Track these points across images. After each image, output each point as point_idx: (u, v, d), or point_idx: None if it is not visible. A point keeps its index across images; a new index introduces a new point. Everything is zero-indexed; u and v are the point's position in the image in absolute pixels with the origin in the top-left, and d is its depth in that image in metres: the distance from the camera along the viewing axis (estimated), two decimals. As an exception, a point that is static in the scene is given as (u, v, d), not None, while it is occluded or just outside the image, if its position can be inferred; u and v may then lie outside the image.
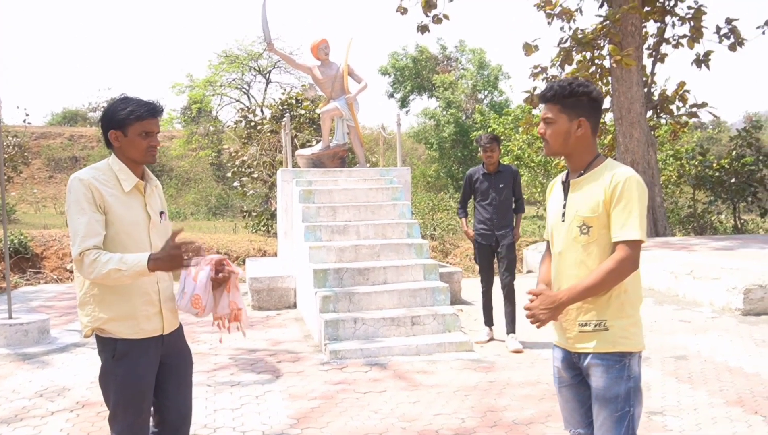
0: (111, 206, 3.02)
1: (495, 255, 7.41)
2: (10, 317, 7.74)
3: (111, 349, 3.07)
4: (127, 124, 3.06)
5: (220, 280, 3.33)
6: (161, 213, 3.26)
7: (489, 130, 29.43)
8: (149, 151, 3.11)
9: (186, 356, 3.37)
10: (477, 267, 7.83)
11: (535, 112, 21.55)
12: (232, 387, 5.96)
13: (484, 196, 7.34)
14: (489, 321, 7.55)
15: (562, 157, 2.97)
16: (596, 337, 2.78)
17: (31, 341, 7.62)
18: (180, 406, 3.27)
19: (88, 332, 3.08)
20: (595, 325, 2.78)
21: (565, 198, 2.90)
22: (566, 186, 2.92)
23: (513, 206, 7.39)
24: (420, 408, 5.31)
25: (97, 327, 3.04)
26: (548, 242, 3.08)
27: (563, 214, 2.89)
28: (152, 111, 3.09)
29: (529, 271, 13.48)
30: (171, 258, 2.91)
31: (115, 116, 3.08)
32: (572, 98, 2.82)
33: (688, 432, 4.63)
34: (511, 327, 7.22)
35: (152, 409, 3.22)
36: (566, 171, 3.00)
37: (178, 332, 3.34)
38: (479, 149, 7.42)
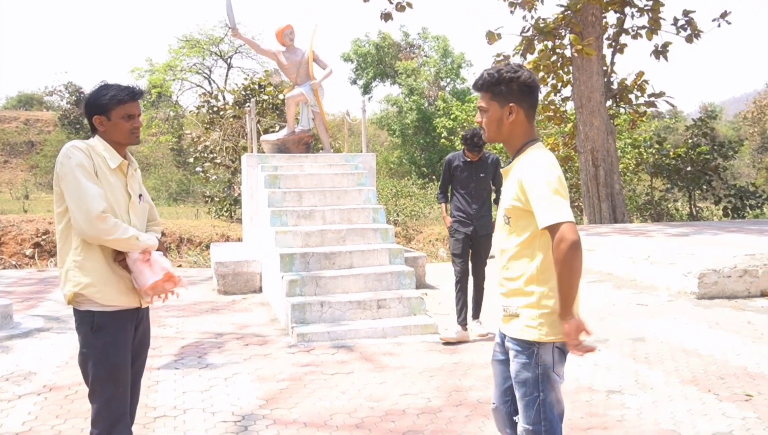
0: (99, 177, 3.15)
1: (472, 245, 7.02)
2: (-28, 302, 7.65)
3: (89, 321, 3.16)
4: (109, 108, 3.19)
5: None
6: (140, 195, 3.37)
7: (451, 117, 29.59)
8: (132, 133, 3.25)
9: (147, 337, 3.48)
10: (441, 253, 7.83)
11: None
12: (200, 369, 6.00)
13: (463, 184, 6.97)
14: (462, 318, 6.92)
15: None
16: (510, 322, 2.86)
17: (-6, 326, 7.54)
18: (133, 387, 3.35)
19: (70, 296, 3.16)
20: (510, 312, 2.86)
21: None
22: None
23: (493, 196, 7.10)
24: (387, 389, 5.41)
25: (78, 292, 3.13)
26: None
27: (497, 201, 3.02)
28: (132, 94, 3.23)
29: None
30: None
31: (97, 102, 3.21)
32: (501, 85, 2.83)
33: (645, 409, 4.81)
34: (476, 313, 7.08)
35: None
36: None
37: (147, 311, 3.46)
38: (465, 144, 6.92)
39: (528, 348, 2.79)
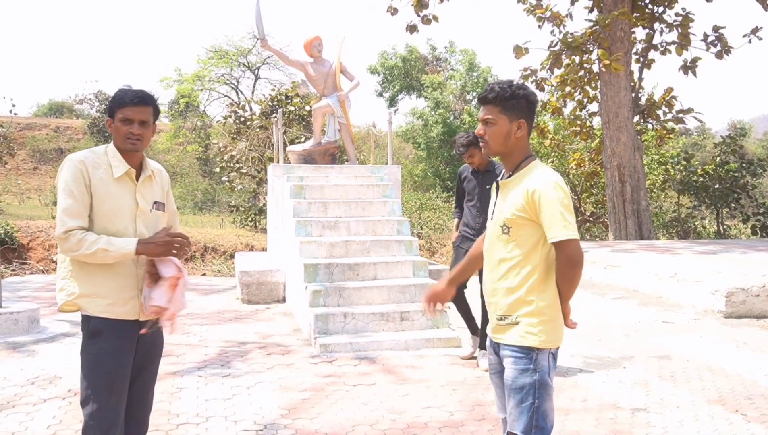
0: (96, 189, 3.09)
1: None
2: (0, 306, 7.76)
3: (86, 326, 3.15)
4: (114, 110, 3.16)
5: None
6: (155, 203, 3.30)
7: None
8: (127, 139, 3.15)
9: (156, 349, 3.37)
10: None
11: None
12: (222, 378, 6.02)
13: (470, 196, 6.68)
14: (473, 327, 6.73)
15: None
16: (508, 330, 2.92)
17: (20, 330, 7.64)
18: (143, 396, 3.31)
19: (62, 306, 3.14)
20: (507, 319, 2.93)
21: (497, 197, 3.04)
22: (497, 186, 3.06)
23: None
24: (409, 401, 5.39)
25: (70, 301, 3.11)
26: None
27: (492, 212, 3.04)
28: (133, 98, 3.14)
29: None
30: (162, 244, 3.12)
31: (109, 104, 3.22)
32: (513, 100, 2.90)
33: (670, 429, 4.75)
34: (472, 329, 6.69)
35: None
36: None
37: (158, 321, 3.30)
38: (461, 151, 6.63)
39: (527, 354, 2.88)
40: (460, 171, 6.87)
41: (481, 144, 3.01)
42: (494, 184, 3.10)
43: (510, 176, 2.98)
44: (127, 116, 3.13)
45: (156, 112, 3.25)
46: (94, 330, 3.11)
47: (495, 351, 3.07)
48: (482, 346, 6.42)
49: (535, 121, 24.38)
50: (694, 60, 15.51)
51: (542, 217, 2.83)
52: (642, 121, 16.76)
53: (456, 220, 7.00)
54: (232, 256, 15.40)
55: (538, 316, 2.89)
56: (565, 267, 2.85)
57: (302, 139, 16.86)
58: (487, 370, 6.48)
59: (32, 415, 5.04)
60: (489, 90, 2.93)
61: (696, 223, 20.03)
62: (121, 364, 3.14)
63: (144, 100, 3.16)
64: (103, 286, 3.11)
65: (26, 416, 5.00)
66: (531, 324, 2.88)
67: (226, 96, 37.50)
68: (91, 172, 3.09)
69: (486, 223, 6.49)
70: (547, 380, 2.88)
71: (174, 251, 3.15)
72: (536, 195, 2.83)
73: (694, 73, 15.57)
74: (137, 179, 3.24)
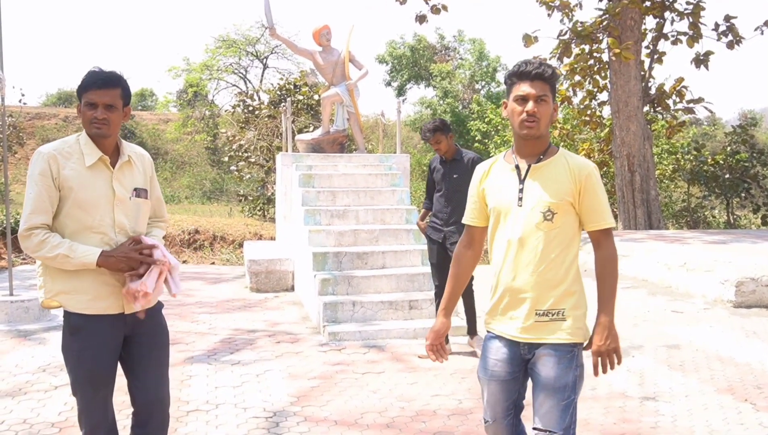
0: (67, 180, 2.94)
1: (446, 253, 6.38)
2: (11, 294, 7.81)
3: (67, 322, 3.03)
4: (80, 94, 3.00)
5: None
6: (136, 190, 3.12)
7: (486, 120, 29.50)
8: (92, 123, 2.96)
9: (158, 337, 3.22)
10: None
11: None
12: (232, 366, 6.04)
13: (438, 186, 6.54)
14: (474, 331, 6.72)
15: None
16: (553, 327, 2.75)
17: (31, 318, 7.69)
18: (150, 387, 3.15)
19: (44, 302, 3.04)
20: (554, 314, 2.75)
21: (522, 182, 2.80)
22: (520, 170, 2.83)
23: None
24: (418, 389, 5.41)
25: (49, 298, 3.00)
26: (471, 231, 3.04)
27: (520, 199, 2.79)
28: (96, 80, 2.96)
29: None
30: (124, 259, 2.97)
31: (77, 88, 3.02)
32: (556, 80, 2.82)
33: (679, 417, 4.75)
34: (472, 328, 6.66)
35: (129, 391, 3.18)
36: (501, 156, 2.95)
37: (152, 311, 3.17)
38: (426, 137, 6.53)
39: (570, 351, 2.76)
40: (431, 162, 6.75)
41: (529, 124, 2.74)
42: (508, 169, 2.87)
43: (540, 160, 2.80)
44: (91, 100, 2.94)
45: (125, 95, 3.04)
46: (74, 326, 2.98)
47: (513, 357, 2.84)
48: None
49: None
50: (707, 53, 15.38)
51: (591, 202, 2.75)
52: (652, 110, 16.67)
53: (423, 210, 6.87)
54: (240, 245, 15.43)
55: (582, 308, 2.80)
56: (612, 257, 2.78)
57: (311, 129, 16.85)
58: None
59: (44, 402, 5.08)
60: (541, 66, 2.76)
61: (706, 213, 19.95)
62: (103, 360, 3.01)
63: (108, 82, 2.96)
64: (82, 281, 2.97)
65: (38, 403, 5.04)
66: (578, 318, 2.77)
67: (234, 85, 37.55)
68: (62, 164, 2.95)
69: (454, 215, 6.41)
70: (583, 374, 2.81)
71: (137, 267, 2.99)
72: (590, 178, 2.75)
73: (707, 67, 15.42)
74: (114, 166, 3.06)
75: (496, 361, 2.87)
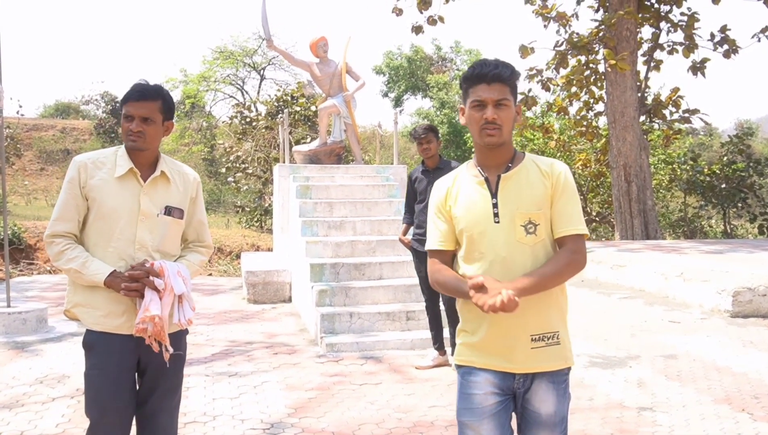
0: (93, 190, 2.91)
1: None
2: (9, 305, 7.80)
3: (84, 337, 2.98)
4: (121, 106, 2.99)
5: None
6: (167, 208, 3.02)
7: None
8: (128, 136, 2.94)
9: (172, 366, 3.03)
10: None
11: (529, 114, 21.70)
12: (229, 377, 6.04)
13: (422, 196, 6.36)
14: (438, 342, 6.53)
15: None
16: (549, 353, 2.46)
17: (29, 329, 7.68)
18: (157, 417, 3.06)
19: (65, 312, 3.01)
20: (549, 339, 2.45)
21: (494, 196, 2.48)
22: (490, 183, 2.51)
23: None
24: (415, 400, 5.41)
25: (68, 309, 2.98)
26: (441, 257, 2.60)
27: (496, 215, 2.46)
28: (133, 93, 2.94)
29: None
30: (118, 283, 2.85)
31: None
32: (516, 80, 2.50)
33: (677, 428, 4.74)
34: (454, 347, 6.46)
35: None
36: (463, 169, 2.63)
37: (172, 336, 3.01)
38: (416, 143, 6.47)
39: (565, 375, 2.52)
40: (411, 173, 6.67)
41: (490, 132, 2.44)
42: (476, 182, 2.53)
43: (509, 169, 2.50)
44: (128, 112, 2.93)
45: (166, 108, 3.01)
46: (87, 343, 2.94)
47: (503, 389, 2.48)
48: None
49: (541, 121, 24.21)
50: (703, 61, 15.47)
51: (564, 205, 2.46)
52: (648, 120, 16.74)
53: (405, 225, 6.82)
54: (238, 257, 15.43)
55: (567, 328, 2.53)
56: (578, 264, 2.44)
57: (308, 140, 16.90)
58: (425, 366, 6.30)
59: (41, 413, 5.07)
60: (499, 67, 2.45)
61: (702, 223, 20.01)
62: (112, 382, 2.88)
63: (144, 94, 2.94)
64: (96, 296, 2.91)
65: (35, 415, 5.03)
66: (568, 340, 2.51)
67: (231, 96, 37.60)
68: (91, 173, 2.92)
69: None
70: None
71: (131, 292, 2.84)
72: (563, 179, 2.48)
73: (703, 74, 15.52)
74: (143, 180, 2.99)
75: (486, 395, 2.47)
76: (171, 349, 2.95)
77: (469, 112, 2.50)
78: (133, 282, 2.85)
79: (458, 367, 2.58)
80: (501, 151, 2.50)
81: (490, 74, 2.43)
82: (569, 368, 2.53)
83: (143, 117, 2.92)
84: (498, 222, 2.46)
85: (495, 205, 2.47)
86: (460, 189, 2.57)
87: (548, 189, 2.46)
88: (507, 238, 2.44)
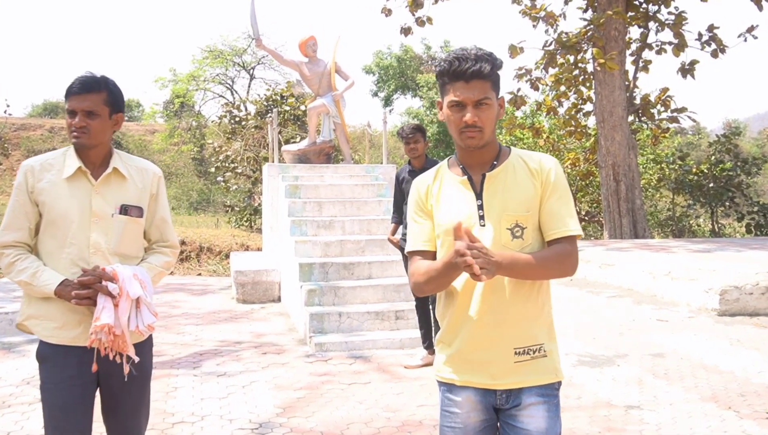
0: (42, 193, 2.71)
1: None
2: (-5, 306, 7.75)
3: (37, 349, 2.78)
4: (65, 102, 2.73)
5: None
6: (123, 206, 2.80)
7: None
8: (71, 132, 2.70)
9: (135, 380, 2.81)
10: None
11: (518, 113, 21.75)
12: (218, 377, 6.02)
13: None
14: (427, 341, 6.52)
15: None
16: (536, 367, 2.25)
17: (15, 330, 7.58)
18: (122, 432, 2.87)
19: (17, 326, 2.81)
20: (535, 352, 2.25)
21: (479, 197, 2.28)
22: (474, 182, 2.30)
23: None
24: (404, 399, 5.41)
25: (20, 323, 2.77)
26: (425, 257, 2.36)
27: (481, 217, 2.25)
28: (74, 85, 2.71)
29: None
30: (68, 290, 2.64)
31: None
32: (498, 71, 2.26)
33: (664, 425, 4.76)
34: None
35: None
36: (444, 165, 2.42)
37: (134, 347, 2.78)
38: (403, 143, 6.45)
39: (556, 392, 2.31)
40: (398, 173, 6.69)
41: (470, 136, 2.22)
42: (459, 181, 2.33)
43: (494, 168, 2.29)
44: (71, 107, 2.69)
45: (112, 99, 2.76)
46: (41, 355, 2.73)
47: (486, 407, 2.30)
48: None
49: (531, 120, 24.23)
50: (692, 62, 15.53)
51: (555, 204, 2.25)
52: (637, 120, 16.81)
53: (393, 224, 6.89)
54: (227, 256, 15.39)
55: (555, 341, 2.33)
56: (567, 267, 2.24)
57: (297, 139, 16.88)
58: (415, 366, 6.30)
59: (28, 414, 5.05)
60: (478, 62, 2.19)
61: (691, 222, 20.10)
62: (67, 398, 2.68)
63: (86, 86, 2.70)
64: (50, 307, 2.70)
65: (21, 416, 5.01)
66: (556, 352, 2.31)
67: (221, 96, 37.50)
68: (39, 177, 2.72)
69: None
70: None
71: (81, 301, 2.61)
72: (553, 176, 2.27)
73: (692, 76, 15.57)
74: (94, 179, 2.77)
75: (468, 413, 2.30)
76: (136, 358, 2.73)
77: (447, 112, 2.28)
78: (84, 289, 2.62)
79: (439, 383, 2.41)
80: (484, 151, 2.29)
81: (469, 71, 2.18)
82: (559, 382, 2.32)
83: (87, 111, 2.69)
84: (483, 225, 2.25)
85: (480, 207, 2.26)
86: (441, 188, 2.36)
87: (537, 188, 2.26)
88: (492, 242, 2.22)
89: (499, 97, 2.29)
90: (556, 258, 2.22)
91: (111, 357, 2.67)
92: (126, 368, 2.73)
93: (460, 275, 2.21)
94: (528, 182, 2.26)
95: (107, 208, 2.76)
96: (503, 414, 2.29)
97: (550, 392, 2.27)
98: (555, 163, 2.30)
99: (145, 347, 2.88)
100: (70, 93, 2.70)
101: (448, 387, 2.35)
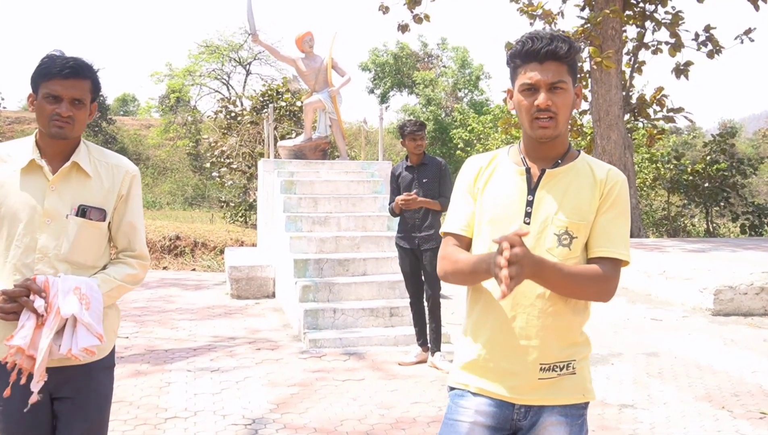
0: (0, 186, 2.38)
1: (419, 261, 6.34)
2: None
3: None
4: (38, 83, 2.37)
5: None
6: (81, 207, 2.42)
7: (468, 128, 29.62)
8: (53, 121, 2.34)
9: (87, 405, 2.45)
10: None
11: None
12: (211, 373, 6.01)
13: (406, 192, 6.19)
14: (421, 338, 6.47)
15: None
16: (562, 385, 2.06)
17: None
18: None
19: None
20: (562, 369, 2.05)
21: (532, 192, 2.08)
22: (531, 175, 2.11)
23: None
24: (398, 396, 5.40)
25: None
26: (460, 242, 2.17)
27: (528, 214, 2.06)
28: (62, 69, 2.34)
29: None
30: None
31: (33, 75, 2.40)
32: (576, 56, 2.05)
33: (658, 425, 4.77)
34: (436, 345, 6.32)
35: None
36: (504, 151, 2.21)
37: (85, 370, 2.44)
38: (404, 138, 6.37)
39: (583, 414, 2.12)
40: (393, 169, 6.61)
41: (543, 124, 2.02)
42: (517, 171, 2.12)
43: (557, 165, 2.10)
44: (54, 92, 2.33)
45: (95, 88, 2.44)
46: None
47: (501, 422, 2.08)
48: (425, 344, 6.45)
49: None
50: (687, 63, 15.54)
51: (610, 221, 2.05)
52: (633, 119, 16.82)
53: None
54: (222, 252, 15.36)
55: (588, 356, 2.14)
56: (604, 291, 2.06)
57: (293, 135, 16.85)
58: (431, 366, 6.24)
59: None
60: (554, 42, 2.00)
61: (685, 222, 20.12)
62: (11, 420, 2.36)
63: (77, 71, 2.35)
64: None
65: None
66: (586, 369, 2.11)
67: (217, 91, 37.47)
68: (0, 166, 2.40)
69: (425, 220, 6.25)
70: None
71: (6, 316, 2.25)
72: (617, 190, 2.07)
73: (687, 76, 15.58)
74: (50, 173, 2.41)
75: (473, 426, 2.08)
76: (39, 383, 2.26)
77: (518, 97, 2.07)
78: (11, 301, 2.23)
79: (450, 389, 2.20)
80: (553, 144, 2.09)
81: (543, 51, 1.99)
82: (587, 403, 2.12)
83: (75, 98, 2.36)
84: (528, 223, 2.06)
85: (529, 203, 2.06)
86: (494, 173, 2.16)
87: (596, 199, 2.06)
88: (535, 244, 2.03)
89: (576, 85, 2.08)
90: (595, 278, 2.01)
91: (22, 381, 2.25)
92: (33, 397, 2.27)
93: (489, 279, 2.01)
94: (588, 190, 2.07)
95: (62, 208, 2.39)
96: (519, 432, 2.10)
97: (575, 412, 2.08)
98: (624, 179, 2.11)
99: (100, 367, 2.50)
100: (56, 75, 2.33)
101: (460, 393, 2.15)
